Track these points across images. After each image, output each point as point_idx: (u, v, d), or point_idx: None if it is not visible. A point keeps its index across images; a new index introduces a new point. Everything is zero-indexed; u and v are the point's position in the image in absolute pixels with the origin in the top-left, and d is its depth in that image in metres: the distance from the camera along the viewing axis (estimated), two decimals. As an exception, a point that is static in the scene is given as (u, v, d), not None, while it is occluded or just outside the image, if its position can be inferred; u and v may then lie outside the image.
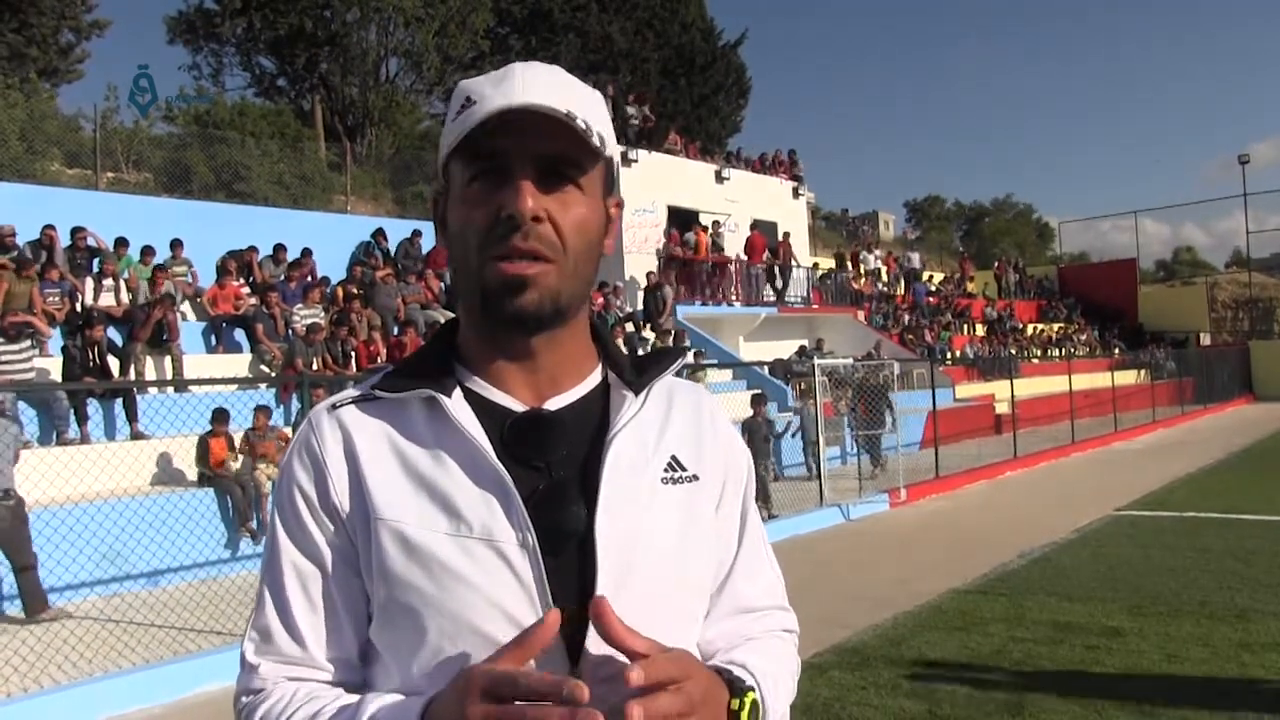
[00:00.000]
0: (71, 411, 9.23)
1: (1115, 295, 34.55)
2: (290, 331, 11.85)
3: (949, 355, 23.13)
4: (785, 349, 19.34)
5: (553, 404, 1.00)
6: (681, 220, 20.07)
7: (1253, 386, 31.26)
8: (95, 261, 11.73)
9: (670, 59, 30.51)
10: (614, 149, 0.99)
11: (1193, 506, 10.70)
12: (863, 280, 25.19)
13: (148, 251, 12.28)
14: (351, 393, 1.02)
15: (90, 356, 9.60)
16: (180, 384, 10.76)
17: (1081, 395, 19.35)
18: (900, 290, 26.79)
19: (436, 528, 0.92)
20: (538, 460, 0.96)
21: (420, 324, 13.14)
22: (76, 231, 11.95)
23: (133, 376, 10.18)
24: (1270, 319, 35.89)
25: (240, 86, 26.45)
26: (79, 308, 10.82)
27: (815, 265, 23.99)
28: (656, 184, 19.34)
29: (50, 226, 11.62)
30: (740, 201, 22.09)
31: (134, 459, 8.91)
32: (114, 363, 10.10)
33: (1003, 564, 8.07)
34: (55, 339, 10.20)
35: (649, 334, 16.50)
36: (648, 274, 17.69)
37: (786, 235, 22.33)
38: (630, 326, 16.30)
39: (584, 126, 0.92)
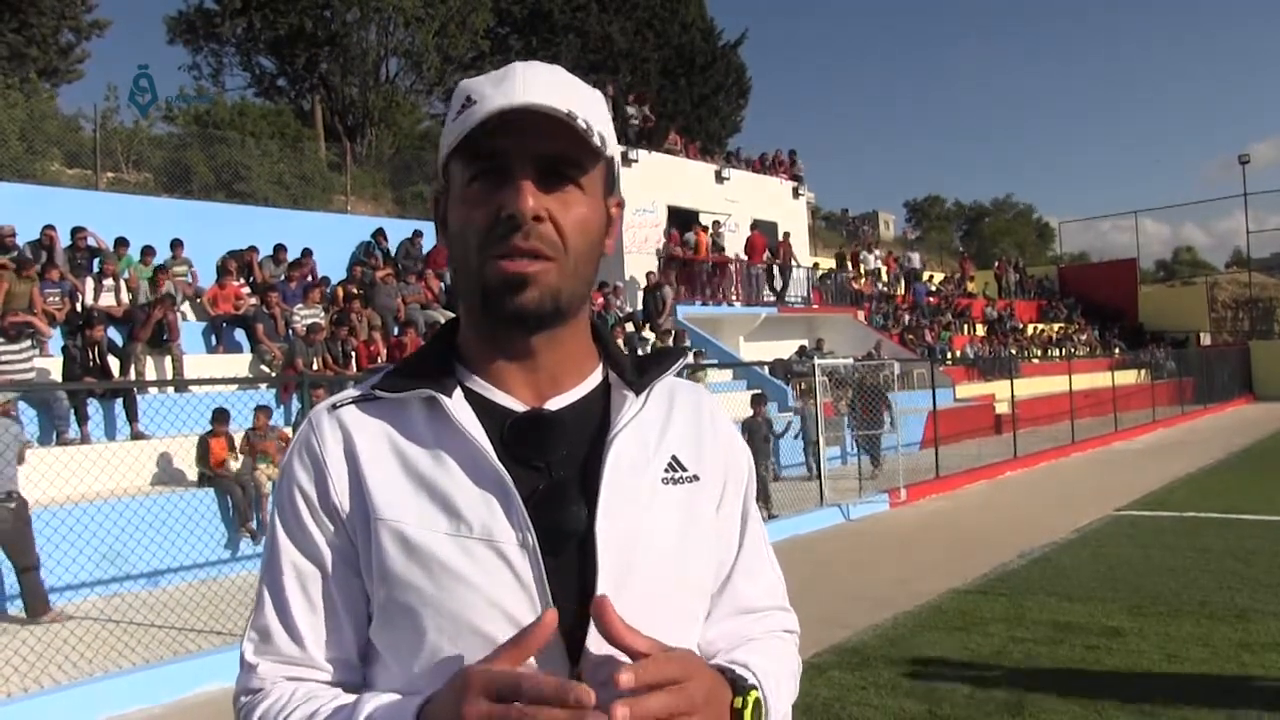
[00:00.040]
0: (71, 411, 9.23)
1: (1115, 295, 34.55)
2: (290, 331, 11.85)
3: (949, 355, 23.13)
4: (785, 349, 19.34)
5: (553, 404, 1.00)
6: (681, 220, 20.07)
7: (1253, 386, 31.26)
8: (95, 261, 11.73)
9: (670, 59, 30.51)
10: (615, 149, 0.99)
11: (1193, 506, 10.70)
12: (863, 280, 25.19)
13: (148, 251, 12.28)
14: (352, 393, 1.02)
15: (90, 356, 9.60)
16: (180, 384, 10.77)
17: (1081, 395, 19.34)
18: (900, 290, 26.79)
19: (436, 528, 0.92)
20: (538, 460, 0.96)
21: (420, 324, 13.14)
22: (76, 231, 11.95)
23: (133, 376, 10.18)
24: (1270, 319, 35.89)
25: (240, 86, 26.49)
26: (79, 308, 10.82)
27: (815, 265, 23.99)
28: (656, 184, 19.34)
29: (50, 226, 11.62)
30: (740, 201, 22.09)
31: (134, 459, 8.91)
32: (114, 363, 10.10)
33: (1003, 564, 8.07)
34: (55, 339, 10.20)
35: (648, 334, 16.50)
36: (647, 274, 17.69)
37: (786, 235, 22.33)
38: (630, 326, 16.30)
39: (585, 126, 0.92)
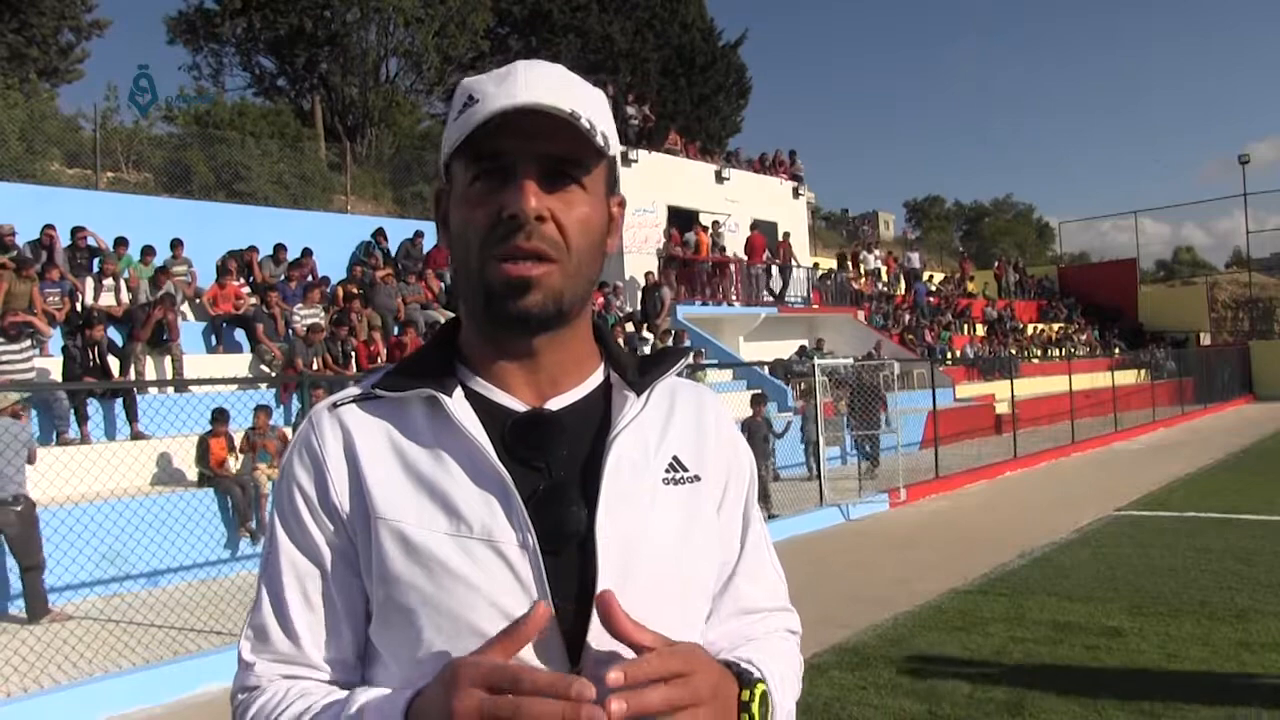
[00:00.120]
0: (71, 411, 9.23)
1: (1115, 295, 34.55)
2: (290, 331, 11.85)
3: (949, 355, 23.13)
4: (785, 349, 19.34)
5: (554, 404, 1.00)
6: (681, 220, 20.07)
7: (1253, 386, 31.26)
8: (95, 261, 11.73)
9: (670, 59, 30.48)
10: (617, 148, 0.99)
11: (1193, 506, 10.70)
12: (863, 280, 25.19)
13: (148, 251, 12.28)
14: (352, 391, 1.02)
15: (90, 356, 9.60)
16: (180, 384, 10.76)
17: (1081, 395, 19.34)
18: (900, 290, 26.79)
19: (436, 528, 0.92)
20: (538, 461, 0.96)
21: (420, 324, 13.14)
22: (76, 231, 11.95)
23: (133, 376, 10.18)
24: (1270, 319, 35.88)
25: (240, 86, 26.44)
26: (79, 308, 10.82)
27: (815, 265, 24.00)
28: (656, 184, 19.34)
29: (50, 226, 11.62)
30: (740, 201, 22.10)
31: (134, 459, 8.90)
32: (114, 363, 10.11)
33: (1003, 564, 8.07)
34: (55, 339, 10.20)
35: (647, 334, 16.49)
36: (646, 274, 17.69)
37: (786, 235, 22.34)
38: (630, 326, 16.31)
39: (588, 126, 0.91)
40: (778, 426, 12.19)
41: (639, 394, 1.01)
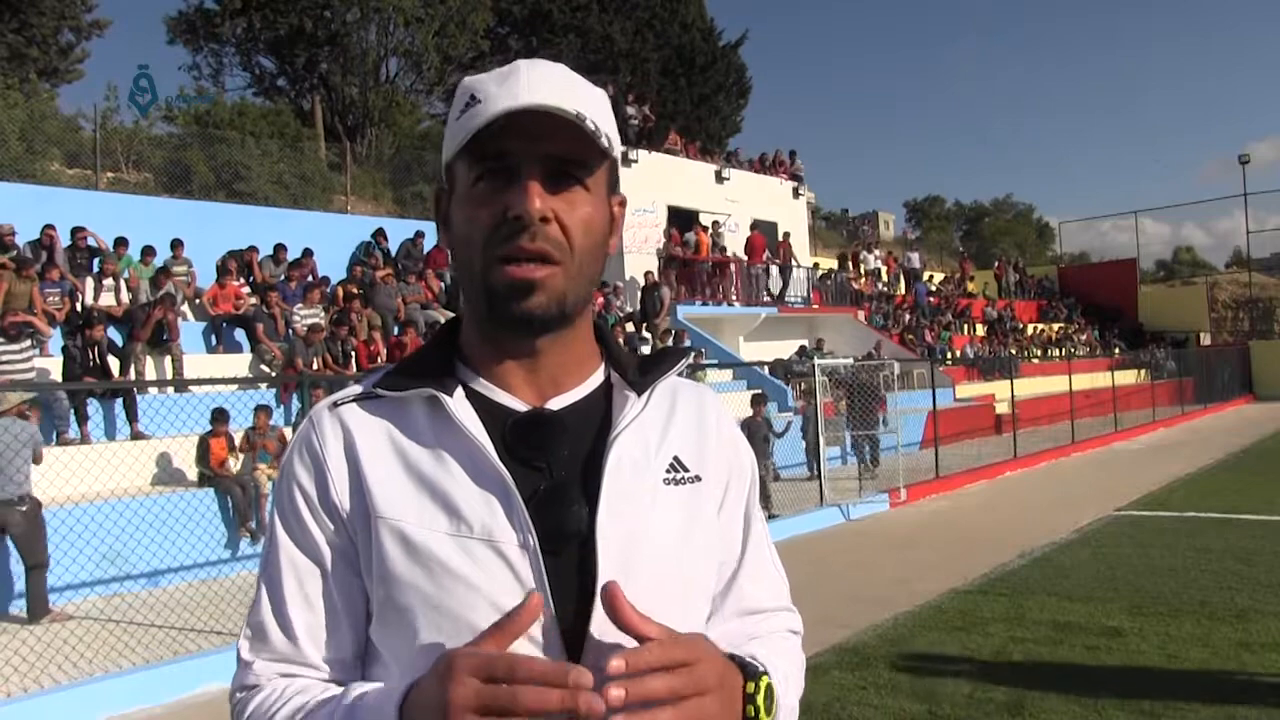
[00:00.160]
0: (71, 411, 9.23)
1: (1115, 295, 34.55)
2: (290, 331, 11.85)
3: (949, 355, 23.13)
4: (785, 349, 19.34)
5: (555, 404, 0.99)
6: (681, 220, 20.07)
7: (1253, 386, 31.26)
8: (95, 261, 11.73)
9: (670, 59, 30.47)
10: (619, 148, 0.99)
11: (1193, 506, 10.70)
12: (863, 280, 25.19)
13: (148, 251, 12.28)
14: (353, 391, 1.01)
15: (90, 356, 9.60)
16: (180, 384, 10.76)
17: (1081, 395, 19.34)
18: (900, 290, 26.79)
19: (437, 527, 0.92)
20: (539, 461, 0.95)
21: (420, 324, 13.14)
22: (76, 231, 11.95)
23: (133, 376, 10.18)
24: (1270, 319, 35.87)
25: (240, 86, 26.43)
26: (79, 308, 10.82)
27: (815, 265, 24.00)
28: (656, 184, 19.34)
29: (50, 226, 11.62)
30: (740, 201, 22.10)
31: (134, 459, 8.90)
32: (114, 363, 10.10)
33: (1003, 564, 8.07)
34: (55, 339, 10.20)
35: (645, 334, 16.49)
36: (645, 274, 17.69)
37: (786, 235, 22.34)
38: (630, 327, 16.31)
39: (594, 128, 0.91)
40: (778, 426, 12.20)
41: (640, 394, 1.01)
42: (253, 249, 13.57)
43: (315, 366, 11.07)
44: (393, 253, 15.52)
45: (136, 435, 9.55)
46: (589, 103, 0.93)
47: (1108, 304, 34.26)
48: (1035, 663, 5.37)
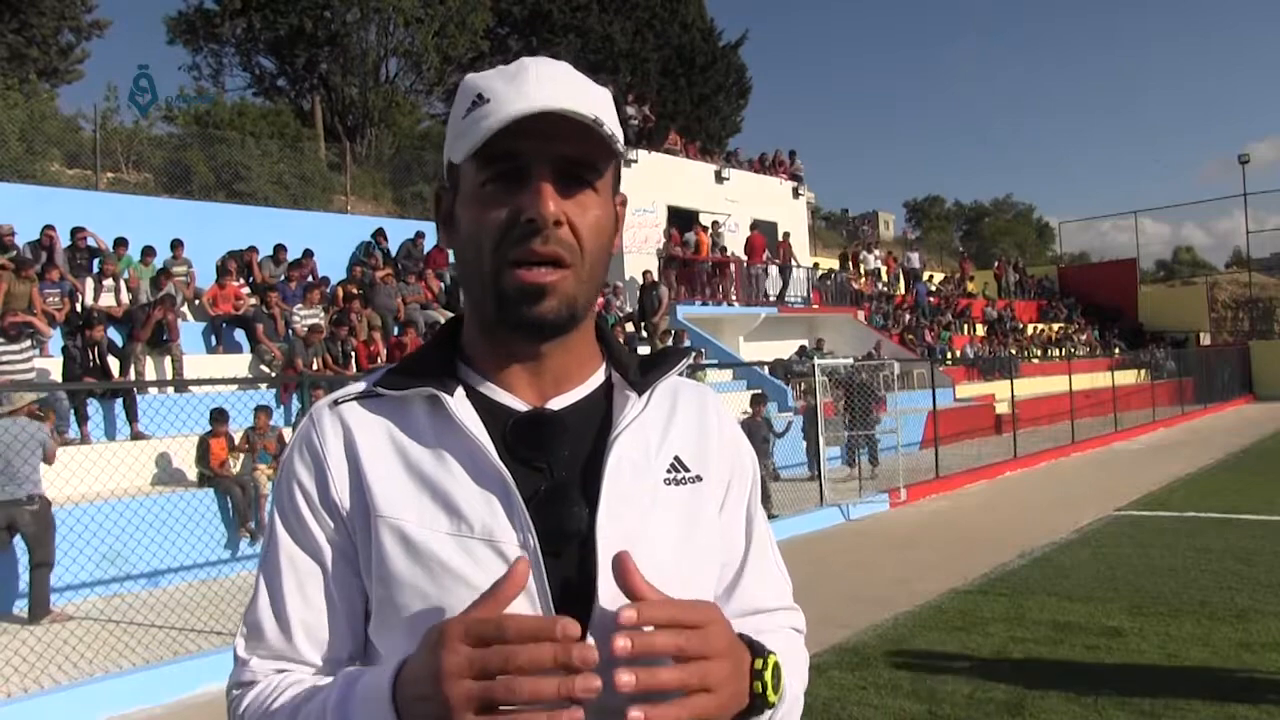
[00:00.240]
0: (72, 411, 9.23)
1: (1115, 295, 34.56)
2: (290, 332, 11.85)
3: (949, 355, 23.13)
4: (785, 349, 19.34)
5: (555, 404, 0.99)
6: (681, 220, 20.07)
7: (1253, 386, 31.26)
8: (95, 261, 11.73)
9: (670, 59, 30.48)
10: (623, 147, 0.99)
11: (1193, 506, 10.70)
12: (863, 280, 25.19)
13: (148, 252, 12.28)
14: (354, 389, 1.01)
15: (90, 356, 9.59)
16: (180, 384, 10.76)
17: (1081, 395, 19.34)
18: (900, 290, 26.79)
19: (437, 527, 0.92)
20: (539, 461, 0.95)
21: (420, 324, 13.14)
22: (76, 231, 11.95)
23: (133, 376, 10.18)
24: (1270, 319, 35.88)
25: (240, 86, 26.45)
26: (79, 308, 10.82)
27: (815, 265, 24.00)
28: (656, 184, 19.34)
29: (50, 226, 11.62)
30: (740, 201, 22.10)
31: (134, 459, 8.90)
32: (114, 363, 10.10)
33: (1003, 564, 8.07)
34: (55, 339, 10.20)
35: (644, 333, 16.50)
36: (644, 273, 17.69)
37: (786, 235, 22.34)
38: (630, 327, 16.31)
39: (610, 133, 0.91)
40: (778, 426, 12.19)
41: (640, 394, 1.01)
42: (253, 249, 13.57)
43: (315, 367, 11.07)
44: (393, 253, 15.52)
45: (136, 435, 9.55)
46: (597, 103, 0.92)
47: (1108, 304, 34.26)
48: (1035, 662, 5.37)
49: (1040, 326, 30.49)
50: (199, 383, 10.51)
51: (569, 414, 0.99)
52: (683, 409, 1.06)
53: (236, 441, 9.29)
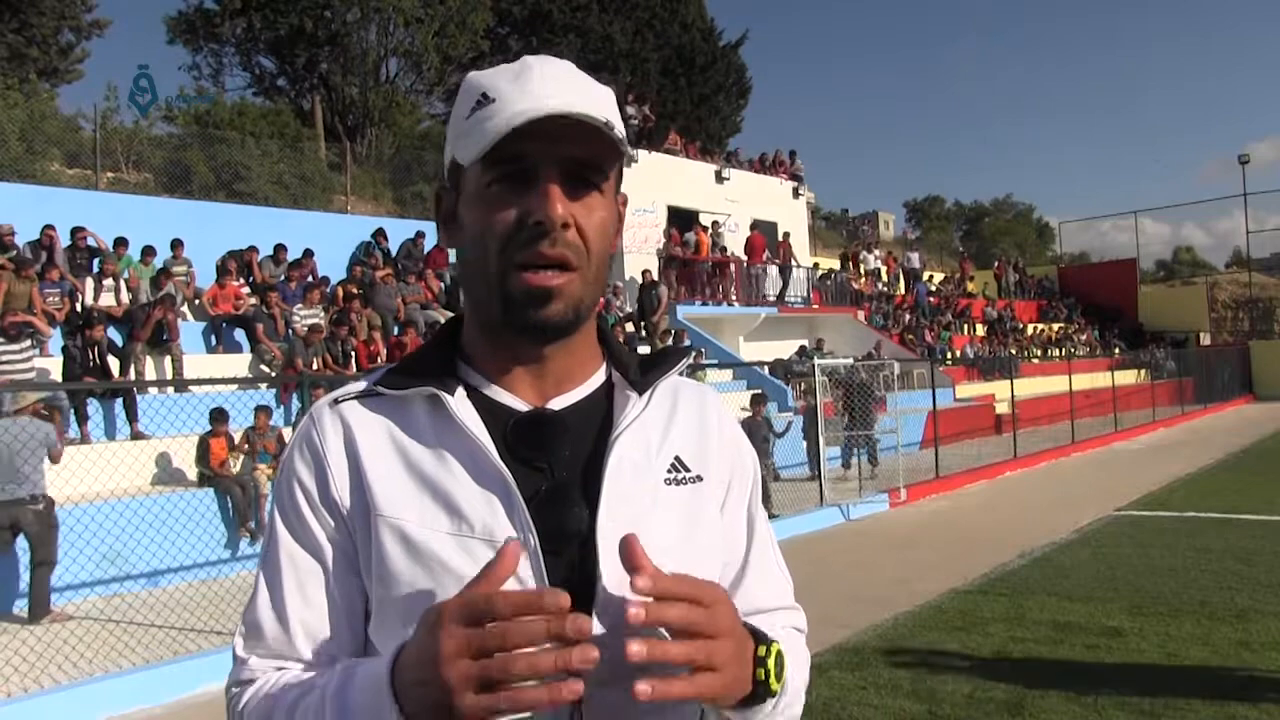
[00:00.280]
0: (72, 411, 9.23)
1: (1115, 295, 34.56)
2: (290, 331, 11.85)
3: (949, 355, 23.13)
4: (785, 349, 19.34)
5: (556, 404, 0.99)
6: (681, 220, 20.07)
7: (1253, 386, 31.26)
8: (95, 261, 11.73)
9: (670, 59, 30.48)
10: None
11: (1193, 506, 10.70)
12: (863, 280, 25.19)
13: (148, 251, 12.28)
14: (354, 388, 1.01)
15: (90, 356, 9.59)
16: (180, 384, 10.76)
17: (1081, 395, 19.34)
18: (900, 290, 26.79)
19: (438, 526, 0.92)
20: (540, 461, 0.95)
21: (420, 324, 13.14)
22: (76, 231, 11.95)
23: (133, 376, 10.18)
24: (1270, 319, 35.88)
25: (240, 86, 26.45)
26: (79, 308, 10.82)
27: (815, 265, 24.00)
28: (656, 184, 19.34)
29: (50, 226, 11.62)
30: (740, 201, 22.10)
31: (134, 459, 8.90)
32: (114, 363, 10.10)
33: (1003, 564, 8.07)
34: (55, 339, 10.20)
35: (644, 333, 16.49)
36: (644, 273, 17.70)
37: (786, 235, 22.33)
38: (630, 326, 16.31)
39: (620, 136, 0.90)
40: (778, 426, 12.19)
41: (641, 394, 1.00)
42: (253, 249, 13.57)
43: (315, 367, 11.07)
44: (393, 253, 15.52)
45: (136, 435, 9.55)
46: (603, 104, 0.91)
47: (1108, 304, 34.26)
48: (1035, 662, 5.36)
49: (1040, 326, 30.49)
50: (199, 382, 10.51)
51: (570, 414, 0.99)
52: (683, 409, 1.05)
53: (236, 441, 9.29)
